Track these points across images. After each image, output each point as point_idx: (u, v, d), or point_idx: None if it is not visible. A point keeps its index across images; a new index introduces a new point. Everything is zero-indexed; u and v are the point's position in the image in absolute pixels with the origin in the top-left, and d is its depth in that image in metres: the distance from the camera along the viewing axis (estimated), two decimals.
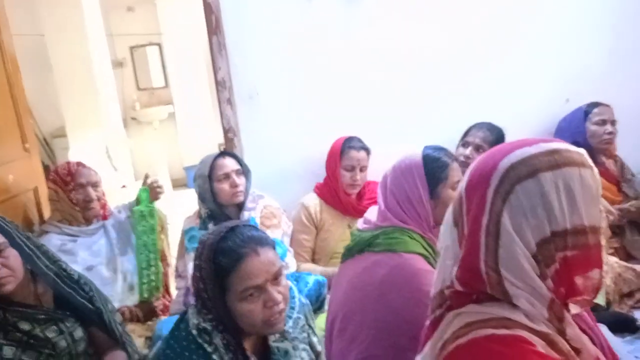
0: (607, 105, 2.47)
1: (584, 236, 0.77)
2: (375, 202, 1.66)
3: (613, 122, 2.43)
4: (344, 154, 2.34)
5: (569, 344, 0.79)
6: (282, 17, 2.48)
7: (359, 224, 1.63)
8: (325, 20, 2.51)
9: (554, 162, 0.77)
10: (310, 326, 1.40)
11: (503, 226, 0.78)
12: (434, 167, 1.47)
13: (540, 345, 0.75)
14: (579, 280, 0.78)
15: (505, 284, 0.78)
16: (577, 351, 0.80)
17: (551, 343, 0.77)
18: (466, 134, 2.43)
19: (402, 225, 1.47)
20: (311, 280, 2.02)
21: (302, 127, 2.56)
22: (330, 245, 2.36)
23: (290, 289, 1.33)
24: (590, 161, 0.81)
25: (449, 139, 2.36)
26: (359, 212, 2.17)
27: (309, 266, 2.32)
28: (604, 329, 1.76)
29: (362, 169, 2.36)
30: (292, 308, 1.35)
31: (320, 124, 2.55)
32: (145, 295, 2.20)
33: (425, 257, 1.42)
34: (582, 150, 0.81)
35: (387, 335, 1.35)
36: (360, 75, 2.57)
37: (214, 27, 2.43)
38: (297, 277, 2.04)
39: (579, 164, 0.78)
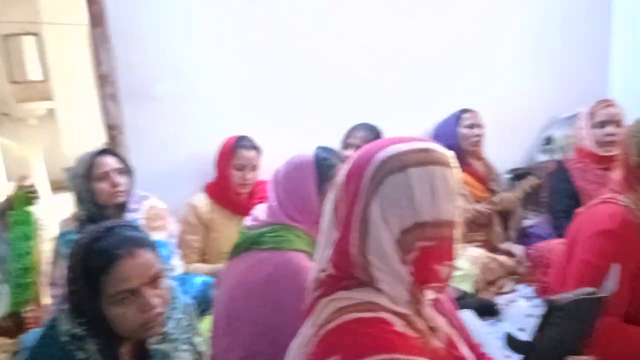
0: (475, 111, 2.73)
1: (441, 229, 0.85)
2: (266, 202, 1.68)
3: (480, 126, 2.69)
4: (234, 153, 2.34)
5: (426, 323, 0.88)
6: (173, 10, 2.42)
7: (247, 221, 1.64)
8: (219, 16, 2.49)
9: (423, 159, 0.85)
10: (193, 327, 1.38)
11: (372, 214, 0.84)
12: (323, 165, 1.52)
13: (400, 325, 0.83)
14: (434, 268, 0.86)
15: (370, 269, 0.85)
16: (433, 330, 0.89)
17: (410, 323, 0.85)
18: (347, 135, 2.55)
19: (290, 223, 1.50)
20: (198, 281, 1.99)
21: (191, 125, 2.51)
22: (221, 245, 2.34)
23: (172, 290, 1.31)
24: (453, 162, 0.89)
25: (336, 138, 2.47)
26: (250, 212, 2.18)
27: (196, 266, 2.28)
28: (470, 314, 1.95)
29: (253, 168, 2.37)
30: (174, 309, 1.32)
31: (211, 123, 2.53)
32: (16, 306, 2.02)
33: (310, 255, 1.47)
34: (449, 152, 0.90)
35: (271, 332, 1.38)
36: (253, 73, 2.57)
37: (96, 18, 2.30)
38: (183, 279, 1.99)
39: (444, 163, 0.87)
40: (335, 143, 2.51)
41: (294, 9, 2.61)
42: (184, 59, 2.47)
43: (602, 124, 2.34)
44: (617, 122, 2.32)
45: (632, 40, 3.32)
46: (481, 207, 2.55)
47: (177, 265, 2.17)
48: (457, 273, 2.10)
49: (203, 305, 1.94)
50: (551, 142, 3.19)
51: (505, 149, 3.20)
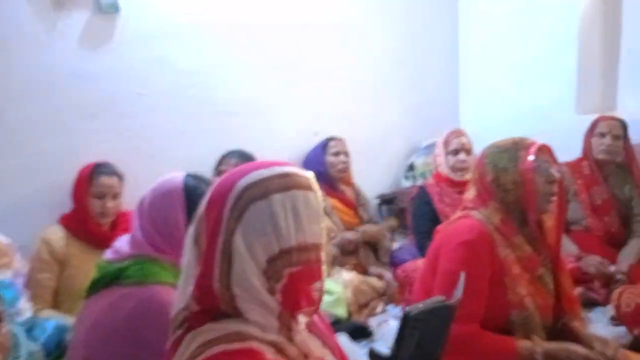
0: (340, 139, 2.84)
1: (308, 252, 0.85)
2: None
3: (346, 154, 2.81)
4: (93, 180, 2.15)
5: (298, 349, 0.86)
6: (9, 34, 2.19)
7: (107, 254, 1.50)
8: (67, 35, 2.31)
9: (284, 184, 0.84)
10: None
11: (236, 245, 0.81)
12: (192, 193, 1.45)
13: (271, 354, 0.80)
14: (304, 292, 0.86)
15: (237, 301, 0.81)
16: (306, 356, 0.88)
17: (281, 350, 0.83)
18: (219, 162, 2.50)
19: (155, 254, 1.40)
20: (50, 326, 1.76)
21: (43, 152, 2.28)
22: (78, 283, 2.09)
23: (15, 336, 1.14)
24: (315, 185, 0.90)
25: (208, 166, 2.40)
26: (111, 244, 2.01)
27: (48, 313, 2.03)
28: (344, 337, 1.98)
29: (115, 197, 2.20)
30: (17, 358, 1.15)
31: (64, 149, 2.31)
32: None
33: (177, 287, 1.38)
34: (310, 174, 0.90)
35: None
36: (106, 99, 2.42)
37: None
38: (32, 323, 1.76)
39: (306, 187, 0.87)
40: (206, 170, 2.45)
41: (154, 41, 2.52)
42: (31, 82, 2.24)
43: (455, 152, 2.58)
44: (467, 150, 2.59)
45: (478, 75, 3.74)
46: (350, 235, 2.63)
47: (25, 308, 1.91)
48: (330, 298, 2.13)
49: (56, 351, 1.72)
50: (413, 168, 3.44)
51: (373, 176, 3.38)
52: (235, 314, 0.82)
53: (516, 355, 1.40)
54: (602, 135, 2.60)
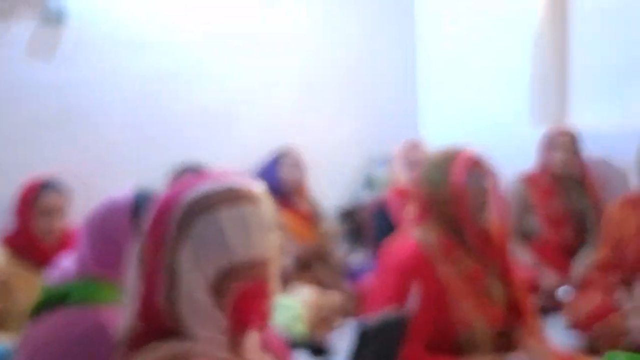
0: (295, 151, 2.81)
1: (258, 267, 0.82)
2: None
3: (301, 166, 2.78)
4: (37, 196, 2.05)
5: None
6: None
7: (52, 273, 1.43)
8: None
9: (234, 197, 0.81)
10: None
11: (182, 261, 0.78)
12: (141, 209, 1.39)
13: None
14: (254, 308, 0.83)
15: (183, 319, 0.78)
16: None
17: None
18: (173, 174, 2.44)
19: (101, 274, 1.34)
20: None
21: None
22: (22, 304, 2.00)
23: None
24: (267, 197, 0.87)
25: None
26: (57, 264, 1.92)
27: None
28: (303, 355, 1.94)
29: (61, 214, 2.10)
30: None
31: (15, 162, 2.20)
32: None
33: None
34: (261, 187, 0.88)
35: None
36: (57, 110, 2.33)
37: None
38: None
39: (256, 200, 0.84)
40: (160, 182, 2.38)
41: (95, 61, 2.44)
42: None
43: (414, 164, 2.60)
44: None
45: (436, 87, 3.81)
46: (305, 248, 2.59)
47: None
48: (288, 314, 2.10)
49: None
50: (372, 180, 3.46)
51: (331, 188, 3.37)
52: (182, 332, 0.79)
53: None
54: (557, 149, 2.69)
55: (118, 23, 2.46)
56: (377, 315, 1.01)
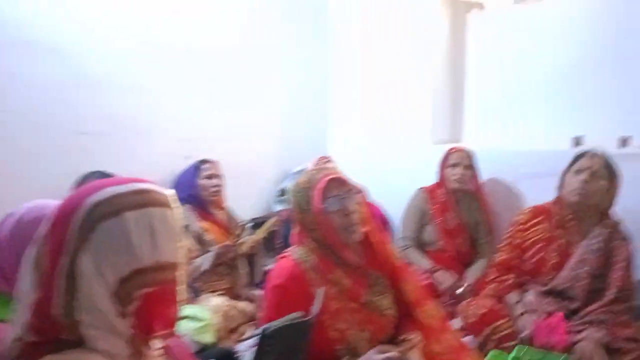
0: (214, 162, 2.79)
1: (164, 272, 0.81)
2: None
3: (219, 177, 2.76)
4: None
5: None
6: None
7: None
8: None
9: (140, 201, 0.80)
10: None
11: (83, 267, 0.75)
12: None
13: None
14: (159, 315, 0.82)
15: (81, 328, 0.76)
16: None
17: None
18: (78, 185, 2.33)
19: (7, 289, 1.24)
20: None
21: None
22: None
23: None
24: (174, 202, 0.87)
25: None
26: None
27: None
28: None
29: None
30: None
31: None
32: None
33: None
34: (170, 192, 0.87)
35: None
36: None
37: None
38: None
39: (163, 204, 0.83)
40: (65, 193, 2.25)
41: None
42: None
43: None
44: None
45: (345, 109, 3.96)
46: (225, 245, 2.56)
47: None
48: (197, 324, 2.07)
49: None
50: (284, 193, 3.51)
51: (246, 200, 3.38)
52: (79, 342, 0.76)
53: None
54: (454, 166, 2.88)
55: (17, 24, 2.30)
56: (281, 318, 1.03)
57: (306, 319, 1.03)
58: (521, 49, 3.34)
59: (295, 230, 1.59)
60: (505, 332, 2.13)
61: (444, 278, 2.69)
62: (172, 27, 2.91)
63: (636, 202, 2.51)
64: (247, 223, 2.74)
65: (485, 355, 2.09)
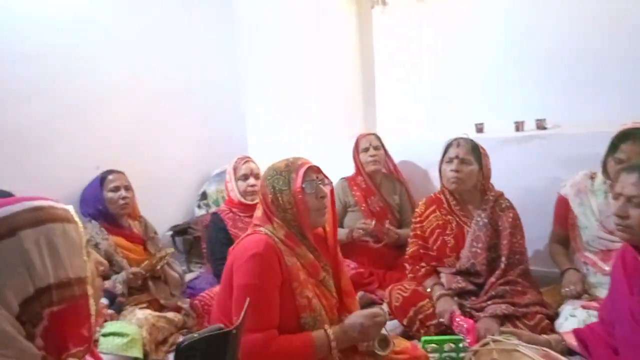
0: (121, 172, 2.65)
1: (70, 288, 0.79)
2: None
3: (127, 188, 2.61)
4: None
5: None
6: None
7: None
8: None
9: (37, 219, 0.78)
10: None
11: None
12: None
13: None
14: (70, 333, 0.80)
15: None
16: None
17: None
18: None
19: None
20: None
21: None
22: None
23: None
24: (75, 216, 0.85)
25: None
26: None
27: None
28: None
29: None
30: None
31: None
32: None
33: None
34: (69, 207, 0.85)
35: None
36: None
37: None
38: None
39: (63, 219, 0.81)
40: None
41: None
42: None
43: (245, 177, 2.68)
44: (255, 175, 2.71)
45: (261, 107, 3.96)
46: (123, 276, 2.45)
47: None
48: (122, 340, 1.99)
49: None
50: (206, 196, 3.45)
51: (165, 207, 3.29)
52: None
53: (313, 346, 1.53)
54: (366, 150, 3.05)
55: None
56: (200, 330, 1.02)
57: (228, 330, 1.03)
58: (424, 42, 3.52)
59: (258, 213, 1.69)
60: (429, 311, 2.27)
61: (368, 223, 2.85)
62: (74, 29, 2.76)
63: (529, 180, 2.77)
64: (165, 255, 2.62)
65: (412, 338, 2.21)
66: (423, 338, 1.97)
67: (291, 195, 1.61)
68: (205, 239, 2.84)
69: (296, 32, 3.67)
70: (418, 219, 2.50)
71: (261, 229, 1.64)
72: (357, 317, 1.61)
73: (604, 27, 2.87)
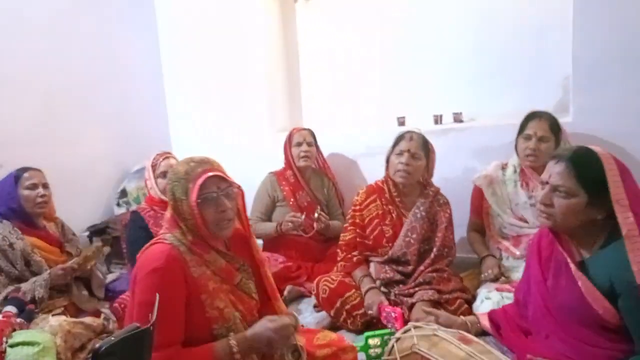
0: (38, 170, 2.48)
1: None
2: None
3: (45, 186, 2.46)
4: None
5: None
6: None
7: None
8: None
9: None
10: None
11: None
12: None
13: None
14: None
15: None
16: None
17: None
18: None
19: None
20: None
21: None
22: None
23: None
24: None
25: None
26: None
27: None
28: None
29: None
30: None
31: None
32: None
33: None
34: None
35: None
36: None
37: None
38: None
39: None
40: None
41: None
42: None
43: (164, 175, 2.57)
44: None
45: (184, 100, 3.85)
46: (58, 270, 2.31)
47: None
48: (33, 349, 1.86)
49: None
50: (126, 194, 3.30)
51: (82, 207, 3.12)
52: None
53: (214, 358, 1.46)
54: (299, 144, 3.04)
55: None
56: (117, 332, 0.98)
57: (144, 327, 1.00)
58: (347, 36, 3.56)
59: (167, 215, 1.59)
60: (355, 302, 2.31)
61: (297, 216, 2.87)
62: None
63: (448, 171, 2.90)
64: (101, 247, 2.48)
65: (339, 329, 2.26)
66: (366, 334, 1.94)
67: (189, 206, 1.51)
68: (126, 238, 2.72)
69: (219, 23, 3.60)
70: (357, 207, 2.51)
71: (167, 235, 1.54)
72: (264, 329, 1.53)
73: (507, 26, 3.04)
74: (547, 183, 1.58)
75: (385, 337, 1.91)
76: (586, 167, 1.51)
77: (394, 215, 2.46)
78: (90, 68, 3.26)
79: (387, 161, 2.49)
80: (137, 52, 3.66)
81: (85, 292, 2.51)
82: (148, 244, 1.57)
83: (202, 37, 3.68)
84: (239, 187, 1.62)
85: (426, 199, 2.45)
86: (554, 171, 1.56)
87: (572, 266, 1.53)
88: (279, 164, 3.15)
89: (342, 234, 2.56)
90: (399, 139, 2.46)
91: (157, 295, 1.14)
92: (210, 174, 1.52)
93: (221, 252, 1.61)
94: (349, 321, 2.29)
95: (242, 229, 1.72)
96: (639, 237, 1.41)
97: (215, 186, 1.53)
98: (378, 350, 1.91)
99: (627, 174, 1.50)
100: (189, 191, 1.50)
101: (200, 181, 1.49)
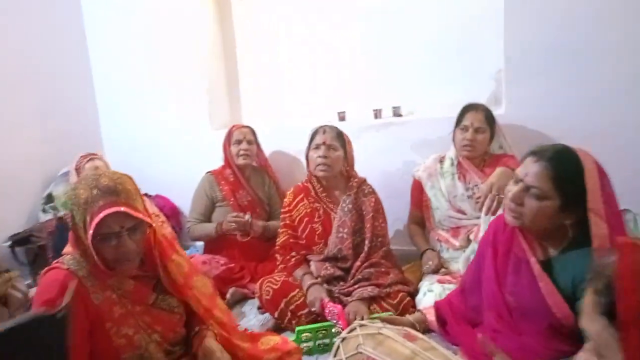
0: None
1: None
2: None
3: None
4: None
5: None
6: None
7: None
8: None
9: None
10: None
11: None
12: None
13: None
14: None
15: None
16: None
17: None
18: None
19: None
20: None
21: None
22: None
23: None
24: None
25: None
26: None
27: None
28: None
29: None
30: None
31: None
32: None
33: None
34: None
35: None
36: None
37: None
38: None
39: None
40: None
41: None
42: None
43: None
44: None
45: (117, 100, 3.66)
46: None
47: None
48: None
49: None
50: (52, 199, 3.09)
51: (4, 212, 2.89)
52: None
53: None
54: (239, 142, 2.95)
55: None
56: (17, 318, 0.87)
57: (50, 313, 0.89)
58: (284, 31, 3.49)
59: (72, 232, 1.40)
60: (299, 301, 2.27)
61: (241, 216, 2.82)
62: None
63: (388, 164, 2.91)
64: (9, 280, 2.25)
65: (283, 330, 2.21)
66: (297, 328, 1.96)
67: (86, 237, 1.31)
68: (52, 246, 2.54)
69: (151, 17, 3.44)
70: (287, 208, 2.49)
71: (67, 258, 1.39)
72: None
73: (442, 21, 3.07)
74: (521, 181, 1.48)
75: (317, 331, 1.93)
76: (566, 171, 1.42)
77: (321, 212, 2.45)
78: (10, 67, 3.02)
79: (307, 158, 2.49)
80: (64, 46, 3.44)
81: (4, 311, 2.31)
82: (47, 267, 1.41)
83: (134, 32, 3.50)
84: (148, 223, 1.40)
85: (351, 191, 2.45)
86: (531, 170, 1.46)
87: (536, 266, 1.50)
88: (219, 162, 3.05)
89: (277, 238, 2.52)
90: (314, 134, 2.48)
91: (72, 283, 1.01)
92: (111, 210, 1.29)
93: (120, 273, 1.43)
94: (293, 322, 2.24)
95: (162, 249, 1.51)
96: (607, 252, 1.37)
97: (117, 225, 1.32)
98: (310, 344, 1.93)
99: (606, 180, 1.43)
100: (86, 223, 1.31)
101: (97, 219, 1.28)
